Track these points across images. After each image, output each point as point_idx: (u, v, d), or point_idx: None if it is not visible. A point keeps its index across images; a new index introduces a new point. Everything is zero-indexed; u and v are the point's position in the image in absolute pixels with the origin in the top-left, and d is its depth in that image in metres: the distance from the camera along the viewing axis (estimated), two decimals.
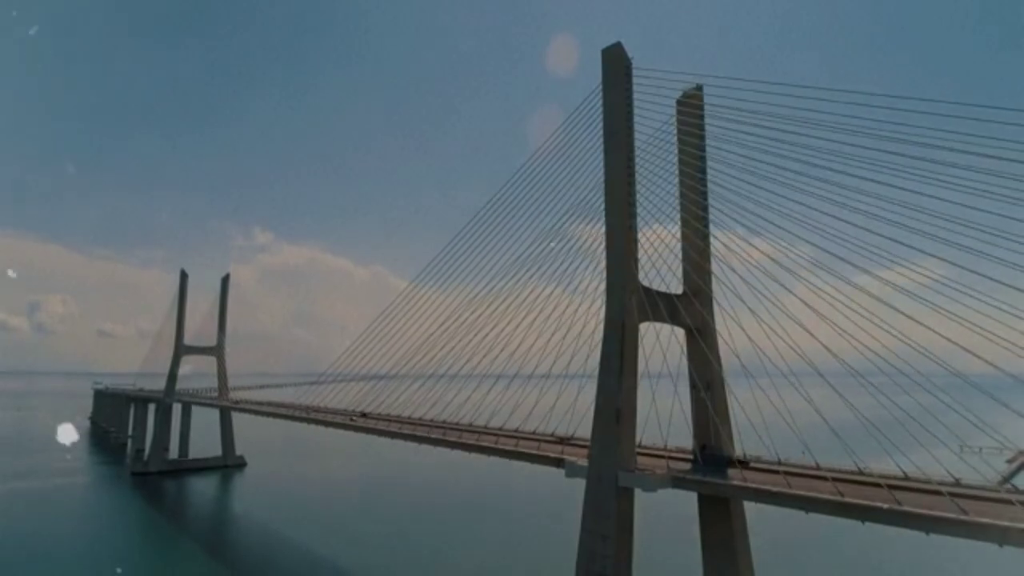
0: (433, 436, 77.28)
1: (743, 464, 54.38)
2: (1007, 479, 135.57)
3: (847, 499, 40.88)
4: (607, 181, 59.59)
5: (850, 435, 50.20)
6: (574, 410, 61.61)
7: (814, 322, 47.56)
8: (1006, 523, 35.17)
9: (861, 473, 51.15)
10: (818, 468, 54.79)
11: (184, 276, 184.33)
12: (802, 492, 43.05)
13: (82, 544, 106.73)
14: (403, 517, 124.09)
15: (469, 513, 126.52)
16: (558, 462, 60.23)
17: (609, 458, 52.31)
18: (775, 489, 44.13)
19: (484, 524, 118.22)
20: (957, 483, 46.76)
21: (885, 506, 38.78)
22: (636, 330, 55.59)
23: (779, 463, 57.48)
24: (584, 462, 55.97)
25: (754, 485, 45.76)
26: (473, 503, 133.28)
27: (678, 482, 50.54)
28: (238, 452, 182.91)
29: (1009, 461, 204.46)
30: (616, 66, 60.44)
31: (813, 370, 48.90)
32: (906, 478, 48.98)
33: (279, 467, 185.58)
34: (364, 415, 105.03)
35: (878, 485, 43.61)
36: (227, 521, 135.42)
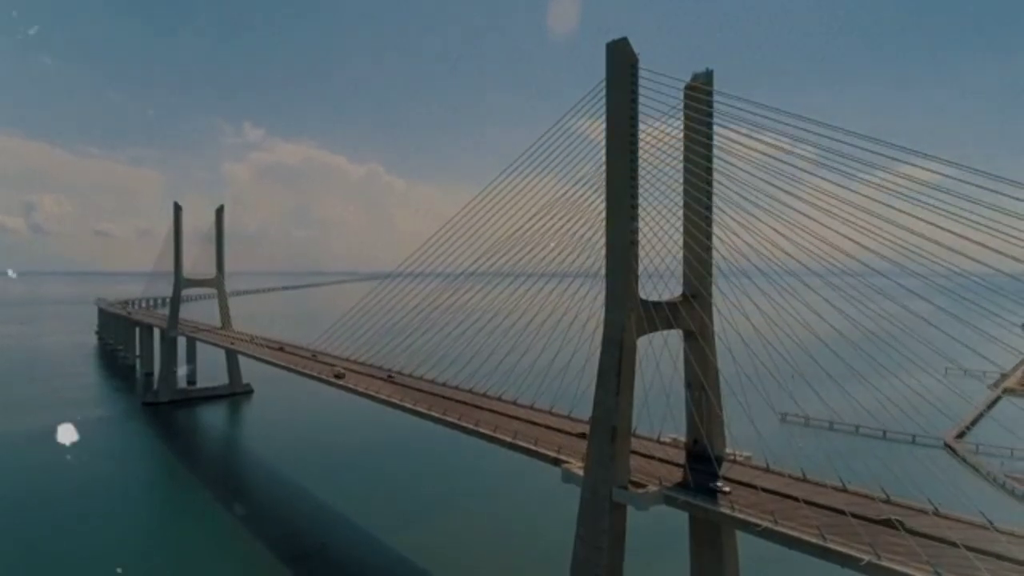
0: (433, 414, 79.53)
1: (730, 481, 56.33)
2: (963, 433, 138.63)
3: (829, 544, 42.93)
4: (608, 188, 57.70)
5: (844, 352, 53.80)
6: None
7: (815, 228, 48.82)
8: None
9: (846, 490, 53.68)
10: (804, 477, 57.28)
11: (178, 209, 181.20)
12: (787, 531, 45.14)
13: (102, 484, 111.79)
14: (407, 442, 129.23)
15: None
16: (555, 461, 62.53)
17: (604, 474, 54.31)
18: (763, 524, 46.23)
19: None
20: (936, 511, 48.91)
21: (864, 559, 40.84)
22: (634, 348, 56.01)
23: (767, 468, 60.06)
24: (580, 468, 58.12)
25: (742, 516, 47.89)
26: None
27: (670, 500, 52.83)
28: (244, 380, 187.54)
29: (991, 387, 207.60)
30: (621, 63, 56.62)
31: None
32: (888, 500, 51.32)
33: (285, 392, 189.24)
34: (359, 367, 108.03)
35: (842, 511, 46.20)
36: (240, 454, 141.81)
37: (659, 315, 57.69)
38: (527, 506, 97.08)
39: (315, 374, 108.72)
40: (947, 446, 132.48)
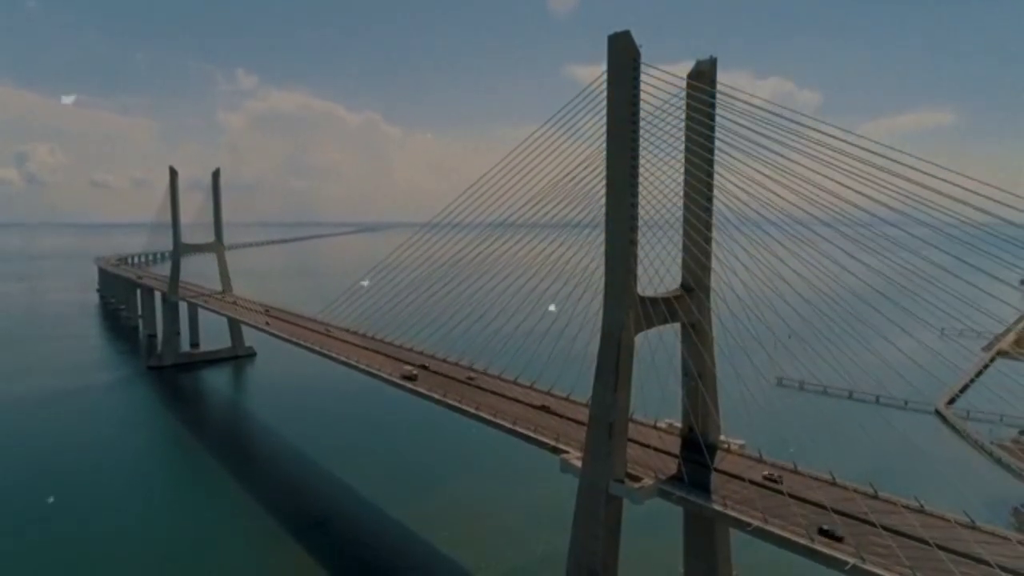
0: (435, 396, 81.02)
1: (722, 472, 58.02)
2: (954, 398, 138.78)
3: (816, 546, 44.76)
4: (608, 187, 57.21)
5: (840, 311, 54.54)
6: None
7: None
8: None
9: (835, 484, 55.41)
10: (796, 469, 58.97)
11: (174, 174, 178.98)
12: (777, 531, 46.98)
13: (108, 450, 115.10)
14: (407, 406, 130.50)
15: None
16: (554, 450, 64.22)
17: (601, 468, 55.90)
18: (754, 523, 48.05)
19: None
20: (922, 508, 50.55)
21: (849, 563, 42.65)
22: (632, 345, 56.76)
23: (760, 459, 61.72)
24: (578, 459, 59.72)
25: (734, 513, 49.70)
26: None
27: (665, 495, 54.65)
28: (247, 343, 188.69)
29: (984, 349, 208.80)
30: (623, 58, 55.32)
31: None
32: (875, 496, 53.03)
33: (287, 355, 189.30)
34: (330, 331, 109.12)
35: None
36: (244, 419, 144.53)
37: (656, 311, 58.19)
38: (526, 476, 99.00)
39: (378, 371, 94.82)
40: (937, 412, 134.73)
